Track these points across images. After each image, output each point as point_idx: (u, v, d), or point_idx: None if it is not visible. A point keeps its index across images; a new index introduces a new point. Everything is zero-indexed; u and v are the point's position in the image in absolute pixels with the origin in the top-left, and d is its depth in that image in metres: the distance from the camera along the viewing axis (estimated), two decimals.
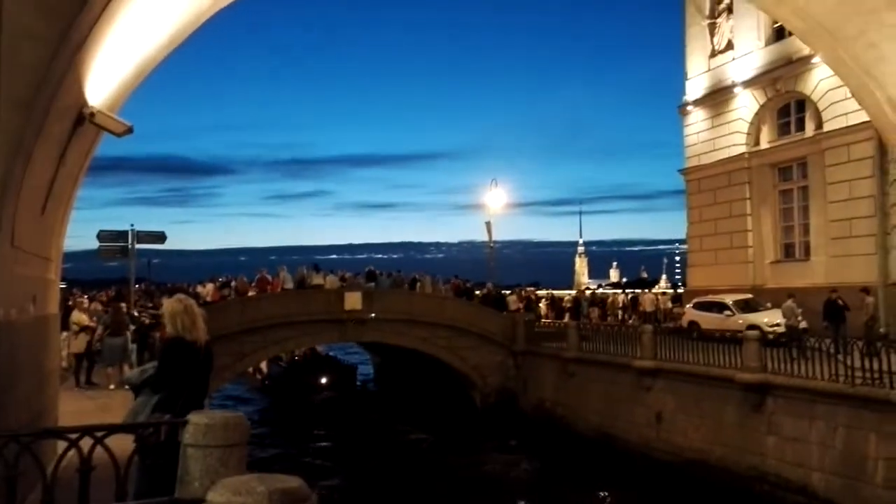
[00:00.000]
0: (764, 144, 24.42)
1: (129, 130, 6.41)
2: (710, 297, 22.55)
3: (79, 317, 14.20)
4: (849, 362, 13.20)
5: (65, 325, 14.70)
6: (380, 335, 23.15)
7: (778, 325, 18.86)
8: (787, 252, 24.05)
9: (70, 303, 17.53)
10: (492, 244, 34.33)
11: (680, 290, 35.46)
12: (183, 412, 4.32)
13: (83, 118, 5.99)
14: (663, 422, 16.92)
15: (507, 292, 27.88)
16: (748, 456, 14.35)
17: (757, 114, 24.38)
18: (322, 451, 21.36)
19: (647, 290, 34.08)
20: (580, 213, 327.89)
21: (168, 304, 4.88)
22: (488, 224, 33.71)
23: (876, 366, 12.56)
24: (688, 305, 23.74)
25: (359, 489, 17.05)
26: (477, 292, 26.88)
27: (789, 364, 14.35)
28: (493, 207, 33.70)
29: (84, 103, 5.97)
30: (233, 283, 24.58)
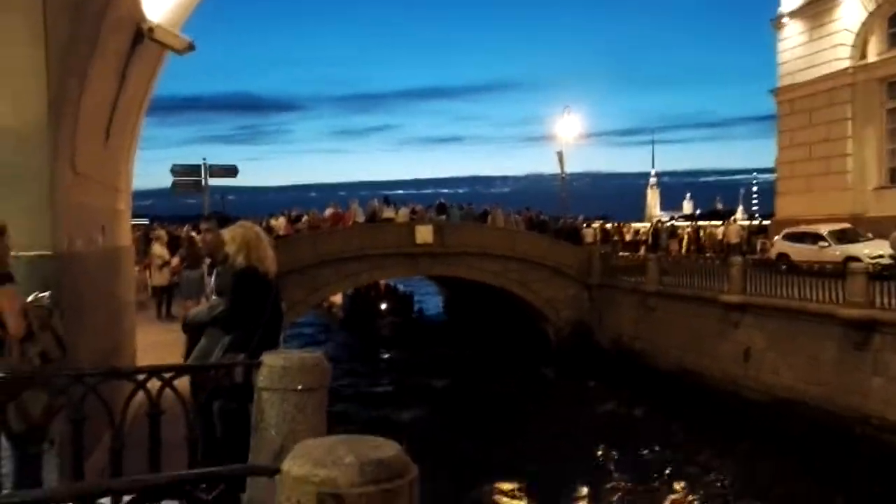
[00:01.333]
0: (872, 57, 22.09)
1: (191, 47, 5.93)
2: (803, 228, 21.04)
3: (160, 250, 14.34)
4: None
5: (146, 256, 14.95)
6: (451, 269, 22.79)
7: (881, 256, 17.37)
8: (894, 178, 22.04)
9: (151, 237, 17.83)
10: (564, 175, 33.09)
11: (764, 222, 33.53)
12: (258, 352, 3.95)
13: (141, 34, 5.53)
14: (752, 359, 16.03)
15: (584, 225, 26.90)
16: (849, 396, 13.39)
17: (864, 23, 21.98)
18: (394, 384, 21.55)
19: (734, 220, 32.26)
20: (652, 142, 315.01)
21: (235, 232, 4.36)
22: (560, 154, 32.36)
23: None
24: (777, 237, 22.27)
25: (432, 426, 17.03)
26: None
27: None
28: (565, 137, 32.30)
29: (141, 17, 5.50)
30: (304, 217, 24.56)
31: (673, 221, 46.05)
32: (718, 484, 13.47)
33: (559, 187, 34.08)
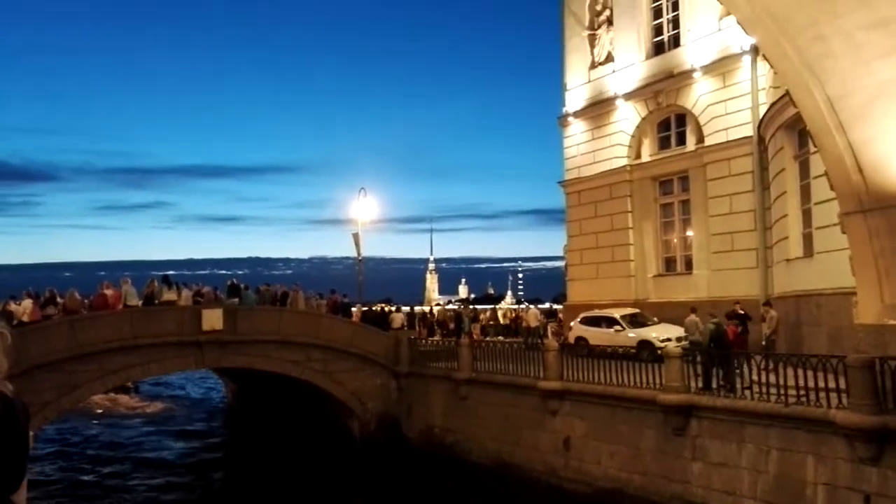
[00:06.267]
0: (645, 157, 24.40)
1: None
2: (598, 312, 21.91)
3: None
4: (769, 380, 12.65)
5: None
6: (244, 360, 20.00)
7: (669, 339, 18.38)
8: (669, 266, 24.08)
9: None
10: (360, 258, 32.11)
11: (555, 306, 35.18)
12: None
13: None
14: (572, 448, 15.60)
15: (392, 308, 25.73)
16: (671, 484, 13.30)
17: (638, 126, 24.33)
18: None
19: (531, 305, 33.34)
20: (431, 230, 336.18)
21: None
22: (356, 236, 31.57)
23: (804, 382, 12.06)
24: (574, 321, 22.95)
25: None
26: (353, 309, 24.43)
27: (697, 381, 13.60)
28: (361, 219, 31.58)
29: None
30: (59, 300, 20.23)
31: (451, 304, 46.85)
32: None
33: (354, 270, 33.02)
